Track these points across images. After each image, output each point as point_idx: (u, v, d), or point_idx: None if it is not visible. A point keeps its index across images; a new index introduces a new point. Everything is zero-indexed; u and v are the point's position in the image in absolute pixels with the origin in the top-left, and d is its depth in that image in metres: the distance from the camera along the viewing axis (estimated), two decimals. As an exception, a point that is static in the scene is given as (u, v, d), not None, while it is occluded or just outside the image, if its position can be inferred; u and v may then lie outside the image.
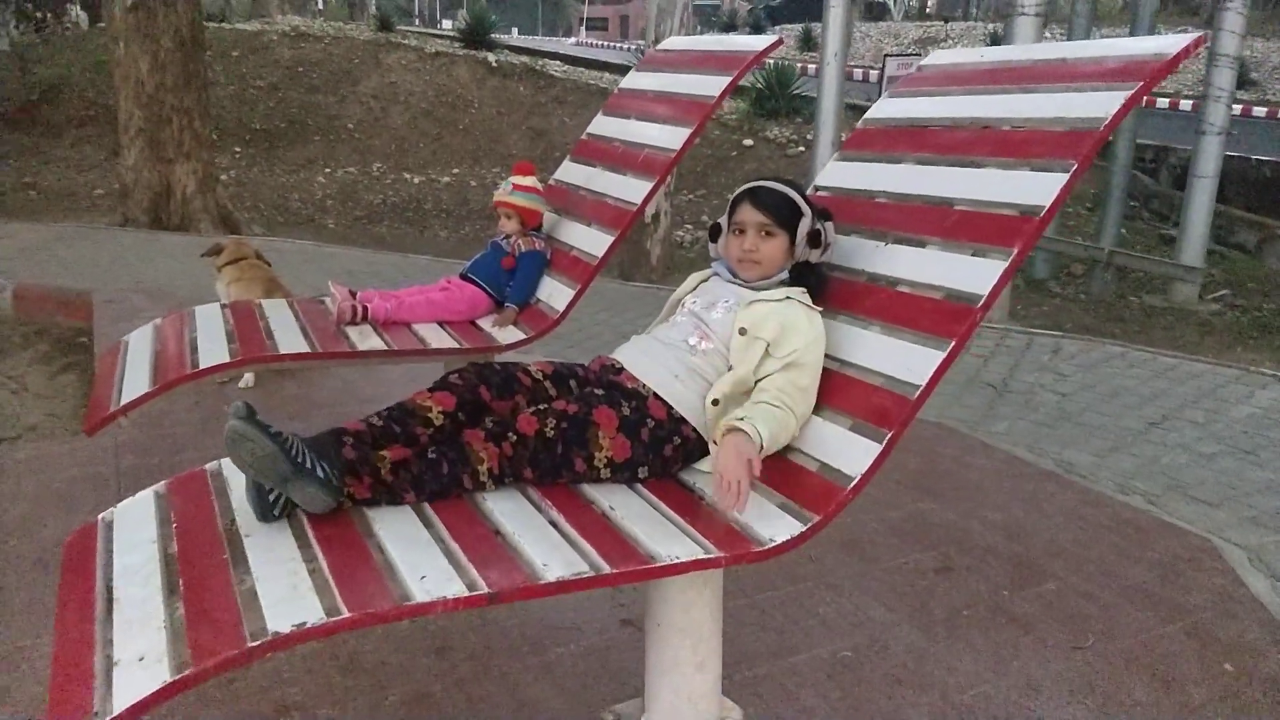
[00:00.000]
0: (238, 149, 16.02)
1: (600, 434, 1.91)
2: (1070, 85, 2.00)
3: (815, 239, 2.08)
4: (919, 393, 1.78)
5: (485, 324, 3.11)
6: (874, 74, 20.84)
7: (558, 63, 21.79)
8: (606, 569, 1.59)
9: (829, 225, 2.11)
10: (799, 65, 19.97)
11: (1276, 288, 9.68)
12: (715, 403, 1.95)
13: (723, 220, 2.17)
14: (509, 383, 2.01)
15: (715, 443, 1.90)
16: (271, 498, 1.75)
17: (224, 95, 16.91)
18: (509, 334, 3.03)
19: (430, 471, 1.81)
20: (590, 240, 3.14)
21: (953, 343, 1.79)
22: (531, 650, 2.43)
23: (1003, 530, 3.16)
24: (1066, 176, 1.82)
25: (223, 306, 3.21)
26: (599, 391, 2.00)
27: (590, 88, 19.35)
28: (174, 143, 8.59)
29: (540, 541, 1.68)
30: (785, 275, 2.12)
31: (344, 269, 6.97)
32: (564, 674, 2.34)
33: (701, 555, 1.65)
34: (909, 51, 25.94)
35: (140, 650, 1.41)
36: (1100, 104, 1.88)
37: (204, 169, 8.85)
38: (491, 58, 20.02)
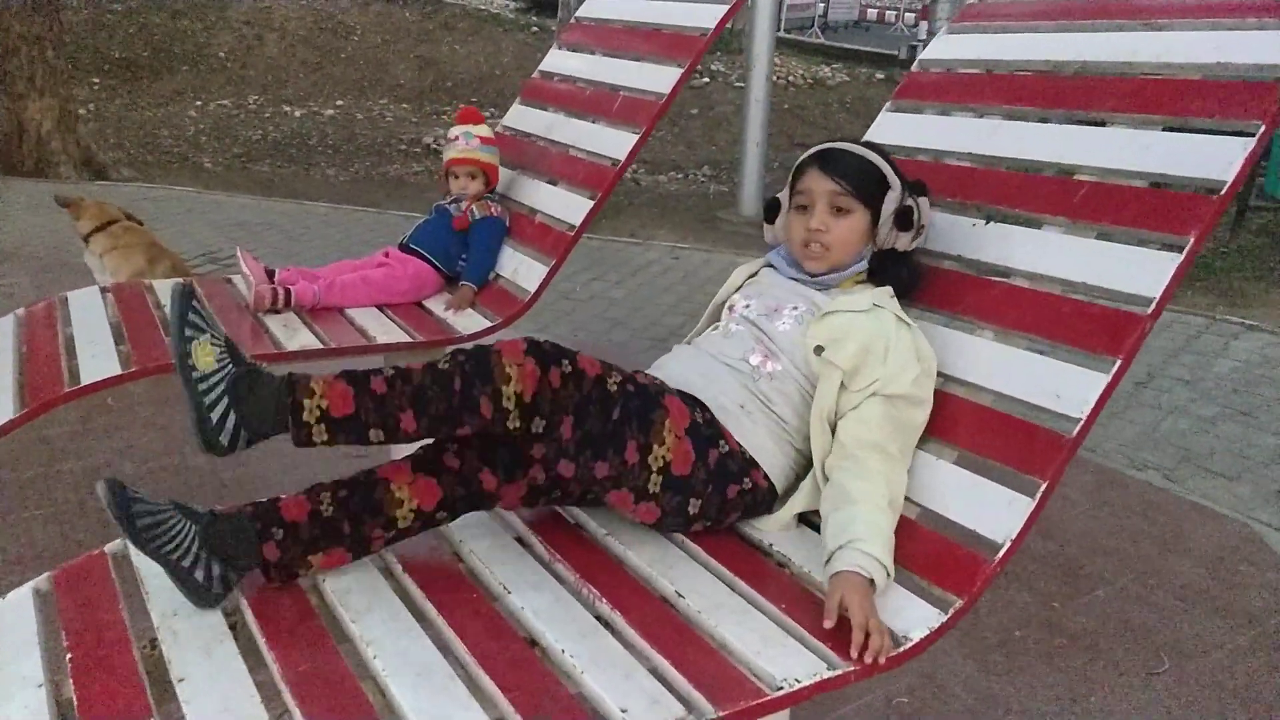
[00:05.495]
0: (96, 80, 14.62)
1: (667, 424, 1.45)
2: (1225, 21, 1.58)
3: (905, 219, 1.61)
4: (1078, 428, 1.37)
5: (436, 307, 2.58)
6: None
7: (445, -14, 20.62)
8: (710, 712, 1.13)
9: (924, 202, 1.64)
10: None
11: None
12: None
13: (782, 195, 1.70)
14: (519, 459, 1.44)
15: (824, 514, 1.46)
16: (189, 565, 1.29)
17: (77, 21, 15.40)
18: (468, 320, 2.50)
19: (437, 387, 1.34)
20: (559, 203, 2.62)
21: (1117, 361, 1.37)
22: None
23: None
24: (1251, 142, 1.41)
25: (103, 291, 2.60)
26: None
27: (481, 13, 18.38)
28: (23, 76, 7.55)
29: (599, 661, 1.22)
30: (863, 266, 1.66)
31: (233, 220, 6.22)
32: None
33: (826, 674, 1.21)
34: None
35: None
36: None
37: (61, 105, 7.83)
38: (374, -20, 18.79)
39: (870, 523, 1.36)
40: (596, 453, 1.41)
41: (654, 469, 1.44)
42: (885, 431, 1.46)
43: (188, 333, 1.30)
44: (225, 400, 1.29)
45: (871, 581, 1.32)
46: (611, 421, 1.40)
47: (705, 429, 1.49)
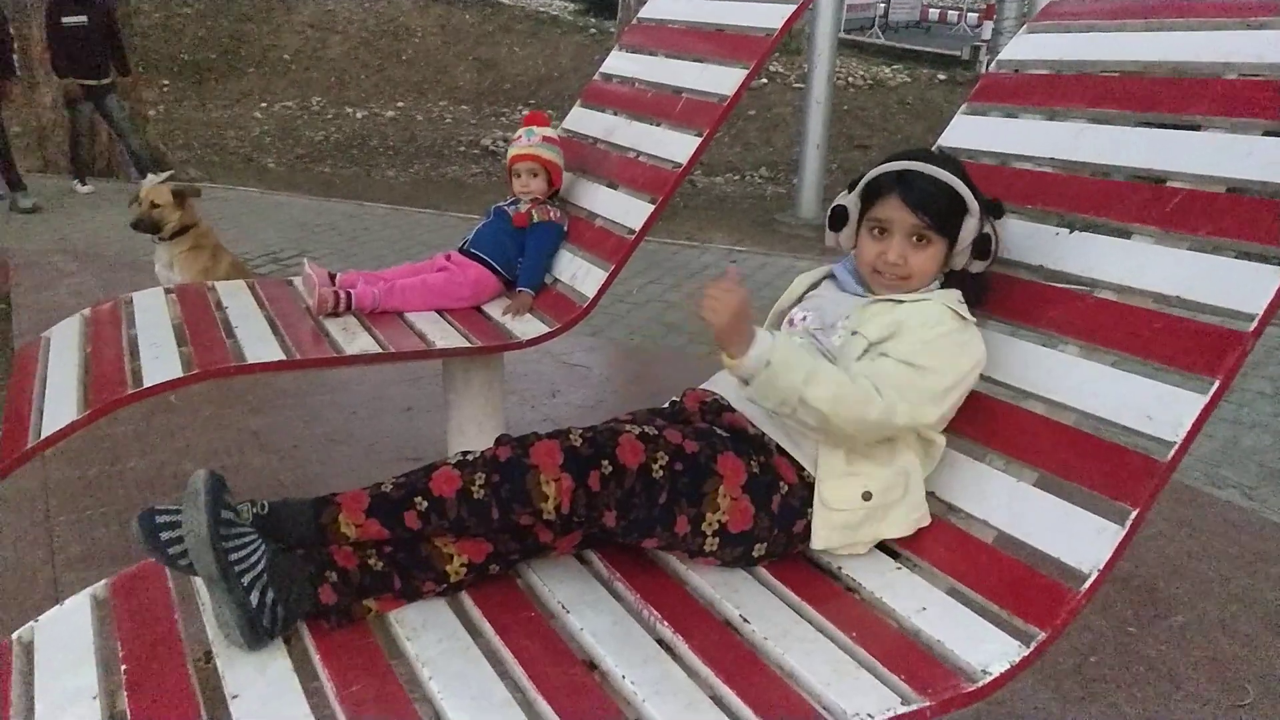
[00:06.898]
0: (165, 82, 14.96)
1: (721, 490, 1.39)
2: (1326, 18, 1.49)
3: (983, 248, 1.54)
4: (1173, 452, 1.29)
5: (495, 312, 2.55)
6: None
7: (505, -12, 20.78)
8: (780, 747, 1.08)
9: (1000, 224, 1.57)
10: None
11: None
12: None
13: (847, 201, 1.62)
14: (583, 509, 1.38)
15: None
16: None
17: (148, 24, 15.76)
18: (526, 325, 2.47)
19: (475, 518, 1.32)
20: (619, 207, 2.57)
21: (1216, 382, 1.29)
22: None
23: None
24: (1365, 147, 1.31)
25: (167, 292, 2.61)
26: (722, 433, 1.48)
27: (540, 15, 18.46)
28: (94, 77, 7.72)
29: (660, 689, 1.17)
30: (935, 289, 1.58)
31: (294, 220, 6.29)
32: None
33: (900, 709, 1.15)
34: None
35: None
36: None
37: (131, 107, 8.00)
38: (435, -17, 18.99)
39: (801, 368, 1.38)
40: (644, 533, 1.39)
41: (708, 534, 1.40)
42: (885, 378, 1.41)
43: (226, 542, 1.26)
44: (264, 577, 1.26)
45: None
46: (657, 505, 1.36)
47: (763, 475, 1.43)
